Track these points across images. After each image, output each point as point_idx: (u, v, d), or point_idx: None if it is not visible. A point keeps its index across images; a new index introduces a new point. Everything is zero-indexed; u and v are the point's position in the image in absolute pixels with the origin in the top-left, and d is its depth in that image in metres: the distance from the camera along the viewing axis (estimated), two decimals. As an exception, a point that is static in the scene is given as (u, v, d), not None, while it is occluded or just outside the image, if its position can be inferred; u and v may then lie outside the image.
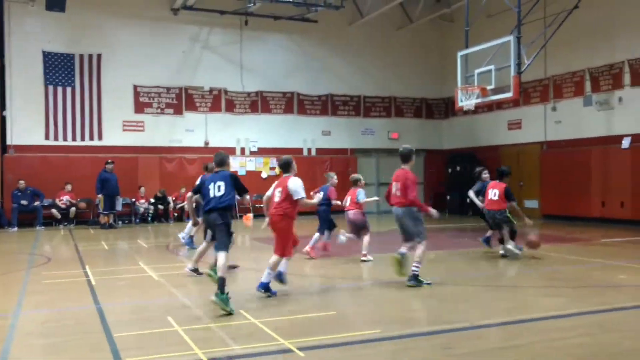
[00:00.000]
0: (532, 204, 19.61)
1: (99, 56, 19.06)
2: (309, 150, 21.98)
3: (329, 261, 10.47)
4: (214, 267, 7.17)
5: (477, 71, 14.18)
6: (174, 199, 19.11)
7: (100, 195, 17.25)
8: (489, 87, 13.79)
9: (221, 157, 7.55)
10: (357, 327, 5.86)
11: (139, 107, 19.66)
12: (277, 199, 7.48)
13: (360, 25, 21.94)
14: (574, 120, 18.27)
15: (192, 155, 20.13)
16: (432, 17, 21.99)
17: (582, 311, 6.39)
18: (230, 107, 20.91)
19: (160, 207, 18.95)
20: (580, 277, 8.73)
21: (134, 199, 18.84)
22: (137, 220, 18.88)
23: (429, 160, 23.38)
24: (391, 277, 8.00)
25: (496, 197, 10.49)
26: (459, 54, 14.92)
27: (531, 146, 19.83)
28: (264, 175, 21.07)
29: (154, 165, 19.63)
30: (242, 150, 21.10)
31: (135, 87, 19.58)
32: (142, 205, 18.82)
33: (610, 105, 17.06)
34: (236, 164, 20.74)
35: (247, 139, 21.14)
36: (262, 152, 21.26)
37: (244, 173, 20.77)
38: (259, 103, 21.30)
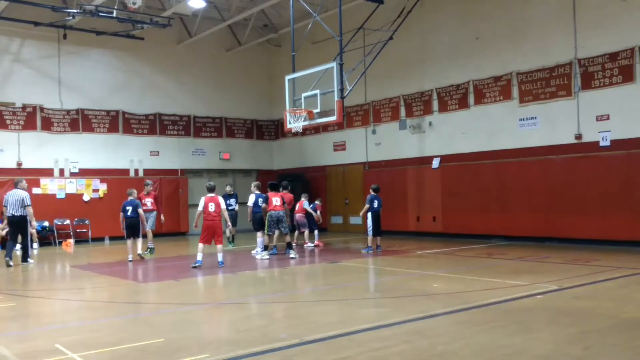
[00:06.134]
0: (357, 220, 20.70)
1: None
2: (136, 171, 21.09)
3: (156, 285, 10.10)
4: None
5: (304, 95, 14.68)
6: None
7: None
8: (315, 111, 14.34)
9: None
10: (185, 353, 5.68)
11: None
12: (212, 209, 11.72)
13: (189, 44, 21.70)
14: (391, 142, 19.70)
15: (1, 177, 18.29)
16: (260, 40, 22.46)
17: (402, 320, 6.83)
18: (47, 125, 19.37)
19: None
20: (400, 287, 9.37)
21: None
22: None
23: (260, 180, 23.57)
24: (216, 298, 7.88)
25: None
26: (287, 77, 15.36)
27: (355, 166, 20.99)
28: (85, 198, 19.76)
29: (-46, 189, 17.49)
30: (62, 171, 19.61)
31: None
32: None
33: (422, 129, 18.68)
34: (54, 187, 19.24)
35: (66, 160, 19.70)
36: (84, 173, 19.95)
37: (63, 196, 19.33)
38: (80, 121, 20.00)
